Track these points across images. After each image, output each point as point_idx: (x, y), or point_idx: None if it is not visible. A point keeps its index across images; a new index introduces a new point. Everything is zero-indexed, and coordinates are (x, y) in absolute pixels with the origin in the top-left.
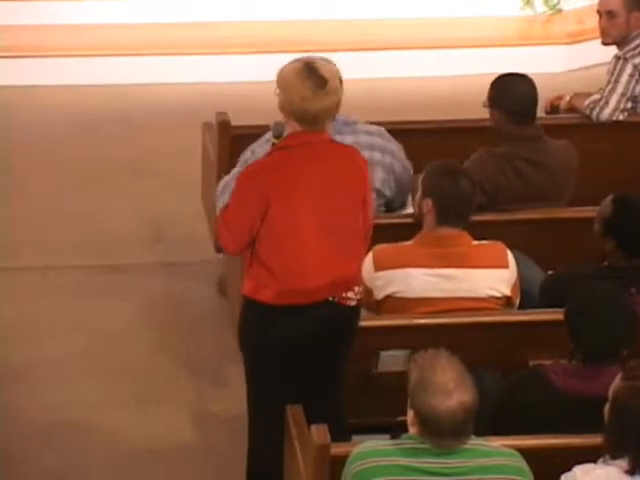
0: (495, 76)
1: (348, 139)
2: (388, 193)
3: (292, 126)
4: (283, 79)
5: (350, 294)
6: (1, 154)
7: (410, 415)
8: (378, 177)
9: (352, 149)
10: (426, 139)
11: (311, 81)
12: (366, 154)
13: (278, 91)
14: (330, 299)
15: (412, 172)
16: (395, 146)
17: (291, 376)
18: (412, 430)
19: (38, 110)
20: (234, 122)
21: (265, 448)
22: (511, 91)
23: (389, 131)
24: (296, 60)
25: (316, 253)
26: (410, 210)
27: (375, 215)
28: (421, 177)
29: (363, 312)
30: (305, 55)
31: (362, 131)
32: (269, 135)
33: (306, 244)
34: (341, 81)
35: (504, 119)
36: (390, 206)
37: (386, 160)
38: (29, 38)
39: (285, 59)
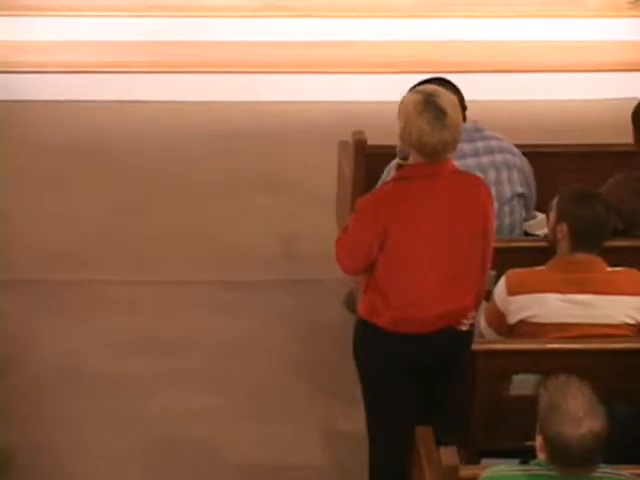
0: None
1: (480, 144)
2: (527, 192)
3: (414, 156)
4: (403, 109)
5: (463, 320)
6: (138, 172)
7: (539, 440)
8: (515, 179)
9: (475, 179)
10: (564, 163)
11: (430, 114)
12: (499, 157)
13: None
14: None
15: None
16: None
17: (405, 393)
18: (541, 456)
19: (172, 125)
20: (370, 141)
21: (384, 464)
22: None
23: (530, 153)
24: (417, 90)
25: (432, 285)
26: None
27: (509, 236)
28: (555, 201)
29: (494, 335)
30: (441, 76)
31: (490, 137)
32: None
33: (422, 276)
34: (464, 109)
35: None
36: (527, 205)
37: (516, 160)
38: (171, 54)
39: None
